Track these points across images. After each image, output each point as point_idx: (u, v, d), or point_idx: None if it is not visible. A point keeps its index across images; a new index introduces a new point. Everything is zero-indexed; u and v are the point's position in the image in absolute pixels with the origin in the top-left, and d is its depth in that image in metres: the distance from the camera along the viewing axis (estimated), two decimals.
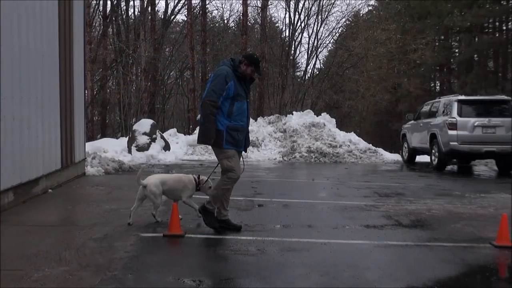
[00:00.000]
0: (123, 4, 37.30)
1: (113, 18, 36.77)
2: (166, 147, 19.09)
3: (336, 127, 21.58)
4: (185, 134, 23.34)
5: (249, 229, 6.84)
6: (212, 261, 5.42)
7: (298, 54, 47.52)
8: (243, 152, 6.80)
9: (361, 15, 43.89)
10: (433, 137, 15.76)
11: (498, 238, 6.14)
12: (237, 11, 47.15)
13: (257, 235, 6.52)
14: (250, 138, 19.93)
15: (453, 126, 14.75)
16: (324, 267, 5.22)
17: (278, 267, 5.17)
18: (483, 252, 5.93)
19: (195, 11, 35.34)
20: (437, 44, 43.55)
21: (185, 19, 34.75)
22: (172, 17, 39.06)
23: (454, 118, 14.79)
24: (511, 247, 6.00)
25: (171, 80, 42.76)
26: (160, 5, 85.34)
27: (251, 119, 22.00)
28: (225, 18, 44.94)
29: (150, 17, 32.60)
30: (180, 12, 39.06)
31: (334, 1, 43.39)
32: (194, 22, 33.59)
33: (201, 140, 6.56)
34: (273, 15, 62.09)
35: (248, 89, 6.75)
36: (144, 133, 18.67)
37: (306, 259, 5.50)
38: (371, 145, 20.40)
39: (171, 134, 21.47)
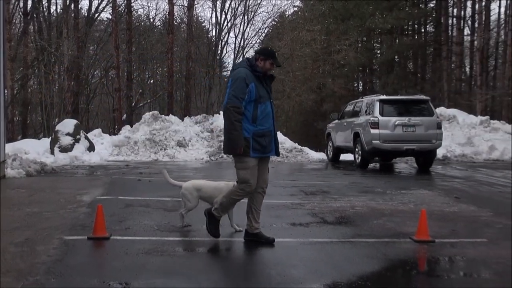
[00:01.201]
0: (44, 1, 36.23)
1: (34, 15, 35.64)
2: (91, 148, 18.69)
3: None
4: (110, 135, 22.93)
5: (177, 230, 6.81)
6: (139, 263, 5.34)
7: (225, 54, 47.66)
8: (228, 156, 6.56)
9: (287, 16, 44.51)
10: (356, 136, 16.16)
11: (418, 233, 6.38)
12: (163, 10, 46.72)
13: (185, 235, 6.51)
14: (177, 138, 19.98)
15: (375, 125, 15.18)
16: (250, 266, 5.28)
17: (207, 267, 5.18)
18: (403, 246, 6.14)
19: (120, 9, 34.78)
20: (360, 45, 44.65)
21: (110, 17, 34.14)
22: (97, 15, 38.33)
23: (376, 117, 15.21)
24: (429, 241, 6.26)
25: (95, 80, 41.89)
26: (84, 3, 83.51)
27: (178, 119, 21.96)
28: (151, 17, 44.52)
29: (73, 14, 31.81)
30: (105, 10, 38.42)
31: (260, 2, 43.68)
32: (119, 20, 33.04)
33: (228, 150, 6.08)
34: (199, 14, 61.95)
35: (270, 87, 6.38)
36: (68, 134, 18.20)
37: (233, 259, 5.53)
38: (297, 144, 20.69)
39: (96, 135, 21.04)
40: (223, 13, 38.43)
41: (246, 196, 6.20)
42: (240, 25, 39.09)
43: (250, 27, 49.69)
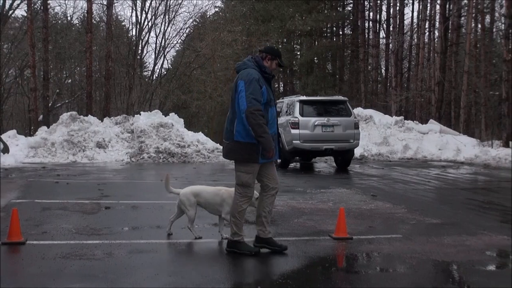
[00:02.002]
0: None
1: None
2: (5, 149, 17.96)
3: (184, 127, 21.64)
4: (26, 136, 22.10)
5: (96, 233, 6.67)
6: (56, 268, 5.19)
7: (146, 54, 47.17)
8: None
9: (208, 16, 44.45)
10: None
11: (336, 231, 6.54)
12: (81, 8, 45.61)
13: (104, 238, 6.38)
14: (97, 140, 19.53)
15: (296, 125, 15.42)
16: (172, 267, 5.25)
17: (126, 270, 5.10)
18: (323, 244, 6.28)
19: (35, 6, 33.59)
20: (280, 46, 45.20)
21: (25, 14, 32.92)
22: (11, 12, 36.80)
23: (296, 117, 15.46)
24: (348, 238, 6.43)
25: (10, 79, 40.26)
26: None
27: (97, 119, 21.46)
28: (68, 15, 43.33)
29: None
30: (20, 7, 36.94)
31: (181, 2, 43.47)
32: (34, 18, 31.90)
33: (265, 154, 5.70)
34: (119, 13, 60.97)
35: (273, 90, 6.05)
36: None
37: (154, 260, 5.47)
38: (218, 144, 20.70)
39: (11, 136, 20.20)
40: (144, 12, 37.91)
41: (249, 201, 5.93)
42: (161, 24, 38.67)
43: (171, 27, 49.46)
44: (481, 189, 12.69)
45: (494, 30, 35.65)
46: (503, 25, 30.58)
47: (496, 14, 35.17)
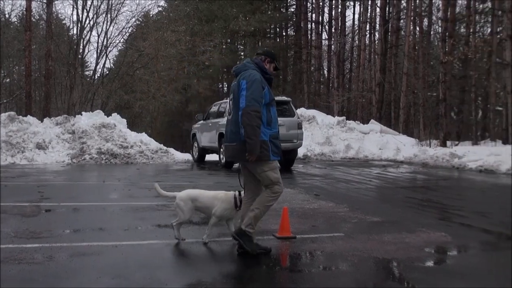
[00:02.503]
0: None
1: None
2: None
3: (127, 127, 21.37)
4: None
5: (36, 236, 6.50)
6: None
7: (87, 53, 46.24)
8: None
9: (151, 15, 44.00)
10: (221, 136, 16.34)
11: (280, 230, 6.59)
12: (20, 6, 44.30)
13: (45, 241, 6.23)
14: (36, 140, 19.03)
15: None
16: (116, 269, 5.17)
17: (67, 273, 5.00)
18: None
19: None
20: (224, 47, 45.26)
21: None
22: None
23: None
24: (291, 237, 6.49)
25: None
26: None
27: (37, 120, 20.91)
28: (6, 12, 42.06)
29: None
30: None
31: (124, 1, 42.88)
32: None
33: (248, 157, 5.67)
34: (59, 11, 59.59)
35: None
36: None
37: (97, 263, 5.39)
38: (162, 145, 20.55)
39: None
40: (85, 10, 37.18)
41: (278, 198, 5.90)
42: (103, 23, 38.04)
43: (113, 26, 48.74)
44: (419, 188, 13.04)
45: (432, 33, 36.74)
46: (440, 28, 31.54)
47: (434, 18, 36.26)
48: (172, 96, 38.24)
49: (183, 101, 42.14)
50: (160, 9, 48.08)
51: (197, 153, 19.31)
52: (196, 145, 19.38)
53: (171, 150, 20.48)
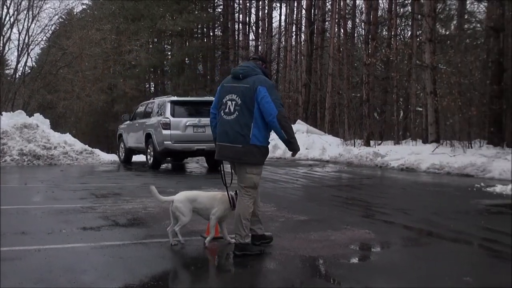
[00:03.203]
0: None
1: None
2: None
3: (51, 128, 20.76)
4: None
5: None
6: None
7: (7, 51, 44.40)
8: None
9: (75, 13, 42.92)
10: (148, 136, 16.18)
11: (208, 231, 6.59)
12: None
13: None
14: None
15: (167, 126, 15.34)
16: (39, 274, 5.03)
17: None
18: (195, 244, 6.31)
19: None
20: (151, 46, 44.73)
21: None
22: None
23: (167, 118, 15.38)
24: (219, 237, 6.50)
25: None
26: None
27: None
28: None
29: None
30: None
31: None
32: None
33: (292, 154, 6.25)
34: None
35: None
36: None
37: (19, 268, 5.23)
38: (87, 146, 20.09)
39: None
40: (5, 7, 35.78)
41: (253, 201, 6.10)
42: (24, 20, 36.71)
43: (35, 23, 47.15)
44: (344, 186, 13.35)
45: (356, 35, 37.64)
46: (363, 30, 32.39)
47: (357, 20, 37.18)
48: (97, 96, 37.41)
49: (109, 101, 41.33)
50: (84, 7, 47.02)
51: (123, 154, 19.03)
52: (122, 145, 19.09)
53: (97, 151, 20.06)
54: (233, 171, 6.29)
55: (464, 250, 6.46)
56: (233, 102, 5.99)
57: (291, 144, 6.02)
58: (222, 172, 6.38)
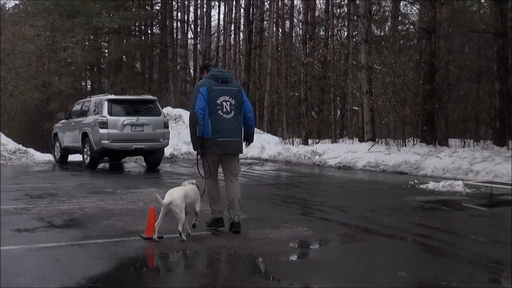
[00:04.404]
0: None
1: None
2: None
3: None
4: None
5: None
6: None
7: None
8: None
9: (8, 9, 41.54)
10: (85, 136, 15.89)
11: (147, 231, 6.53)
12: None
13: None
14: None
15: (104, 124, 15.11)
16: None
17: None
18: (133, 244, 6.25)
19: None
20: (87, 43, 43.82)
21: None
22: None
23: (104, 117, 15.15)
24: (158, 237, 6.46)
25: None
26: None
27: None
28: None
29: None
30: None
31: None
32: None
33: (248, 145, 7.56)
34: None
35: None
36: None
37: None
38: (21, 145, 19.54)
39: None
40: None
41: None
42: None
43: None
44: (283, 185, 13.50)
45: (294, 35, 38.03)
46: (301, 30, 32.77)
47: (295, 20, 37.57)
48: (31, 94, 36.36)
49: (44, 99, 40.25)
50: (17, 2, 45.64)
51: (59, 153, 18.59)
52: (58, 145, 18.65)
53: (31, 150, 19.54)
54: (211, 164, 7.13)
55: (399, 245, 6.65)
56: (228, 103, 6.87)
57: (252, 135, 7.44)
58: (197, 164, 7.38)
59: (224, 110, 6.81)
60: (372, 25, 25.33)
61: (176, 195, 6.44)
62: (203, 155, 7.07)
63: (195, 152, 7.32)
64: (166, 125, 16.12)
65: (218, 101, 6.74)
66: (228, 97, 6.86)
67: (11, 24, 35.21)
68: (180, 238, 6.35)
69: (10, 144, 19.10)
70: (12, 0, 59.53)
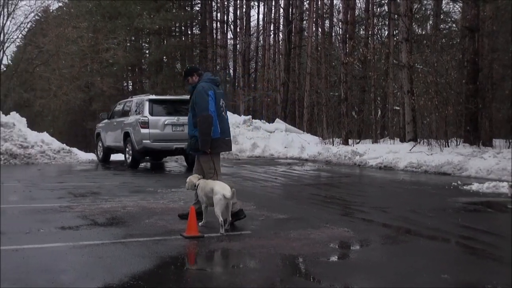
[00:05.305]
0: None
1: None
2: None
3: (28, 126, 20.51)
4: None
5: None
6: None
7: None
8: None
9: (52, 11, 42.45)
10: (126, 135, 16.09)
11: (188, 230, 6.58)
12: None
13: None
14: None
15: (145, 124, 15.28)
16: (17, 274, 4.98)
17: None
18: (174, 243, 6.30)
19: None
20: (128, 44, 44.43)
21: None
22: None
23: (146, 117, 15.31)
24: (199, 236, 6.51)
25: None
26: None
27: None
28: None
29: None
30: None
31: None
32: None
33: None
34: None
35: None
36: None
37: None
38: (65, 145, 19.90)
39: None
40: None
41: None
42: None
43: (10, 21, 46.47)
44: (323, 185, 13.42)
45: (333, 34, 37.81)
46: (340, 30, 32.55)
47: (335, 20, 37.35)
48: (74, 94, 37.11)
49: (86, 100, 41.02)
50: (60, 4, 46.43)
51: (101, 153, 18.89)
52: (100, 144, 18.95)
53: (74, 150, 19.90)
54: (217, 161, 7.60)
55: (442, 247, 6.53)
56: (224, 105, 7.63)
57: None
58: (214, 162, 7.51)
59: (224, 111, 7.60)
60: (413, 23, 24.99)
61: (219, 189, 6.82)
62: (211, 154, 7.43)
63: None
64: None
65: (220, 103, 7.43)
66: (222, 100, 7.60)
67: (55, 26, 35.96)
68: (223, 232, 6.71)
69: (55, 144, 19.48)
70: (56, 3, 60.56)
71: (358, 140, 25.29)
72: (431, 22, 32.81)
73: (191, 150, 7.79)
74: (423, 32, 31.66)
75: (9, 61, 42.02)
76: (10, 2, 35.71)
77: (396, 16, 25.53)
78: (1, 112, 20.15)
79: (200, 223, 6.94)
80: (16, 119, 20.11)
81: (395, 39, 28.37)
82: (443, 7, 32.41)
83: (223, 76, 44.22)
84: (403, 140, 22.40)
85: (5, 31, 36.42)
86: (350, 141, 24.32)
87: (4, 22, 36.10)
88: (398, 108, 27.02)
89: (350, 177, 14.99)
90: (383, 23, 37.00)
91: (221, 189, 6.79)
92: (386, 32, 34.40)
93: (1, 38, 36.11)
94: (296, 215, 8.30)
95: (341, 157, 19.42)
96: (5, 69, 39.30)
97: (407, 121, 21.36)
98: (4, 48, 37.22)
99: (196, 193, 7.46)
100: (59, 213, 8.20)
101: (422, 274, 5.18)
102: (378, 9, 36.35)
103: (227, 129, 7.61)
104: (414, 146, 19.06)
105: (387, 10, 32.59)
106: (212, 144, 7.30)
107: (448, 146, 18.53)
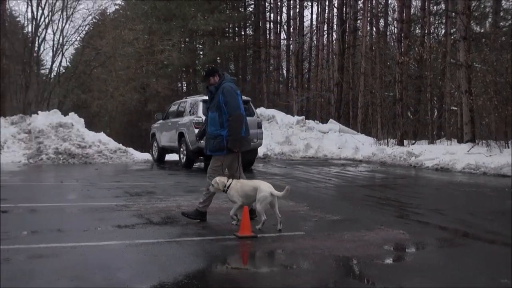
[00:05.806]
0: None
1: None
2: None
3: (85, 127, 21.04)
4: None
5: None
6: None
7: (43, 51, 45.28)
8: None
9: (108, 14, 43.38)
10: (181, 136, 16.28)
11: (241, 230, 6.61)
12: None
13: (1, 243, 6.09)
14: None
15: (199, 125, 15.37)
16: (75, 271, 5.10)
17: (26, 276, 4.91)
18: (228, 243, 6.33)
19: None
20: (183, 46, 44.97)
21: None
22: None
23: (200, 117, 15.44)
24: (252, 237, 6.52)
25: None
26: None
27: None
28: None
29: None
30: None
31: None
32: None
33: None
34: (13, 8, 58.09)
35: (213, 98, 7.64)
36: None
37: (55, 265, 5.31)
38: (121, 145, 20.31)
39: None
40: (40, 8, 36.37)
41: None
42: (59, 21, 37.26)
43: (69, 24, 47.74)
44: (378, 186, 13.24)
45: (388, 33, 37.25)
46: (395, 29, 32.05)
47: (389, 19, 36.80)
48: (130, 95, 37.83)
49: (142, 100, 41.75)
50: (117, 7, 47.44)
51: (156, 153, 19.18)
52: (155, 144, 19.25)
53: (130, 149, 20.28)
54: (238, 160, 7.81)
55: (501, 251, 6.33)
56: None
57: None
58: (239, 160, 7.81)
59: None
60: (471, 21, 24.37)
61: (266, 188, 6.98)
62: (238, 153, 7.63)
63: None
64: (259, 126, 16.23)
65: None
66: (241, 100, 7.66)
67: (112, 28, 36.72)
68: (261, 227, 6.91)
69: (111, 144, 19.91)
70: (112, 5, 61.83)
71: (413, 141, 24.83)
72: (490, 19, 31.95)
73: (211, 151, 7.71)
74: (482, 30, 30.86)
75: (68, 63, 43.21)
76: (69, 5, 36.70)
77: (453, 14, 24.97)
78: (60, 113, 20.74)
79: (257, 227, 6.91)
80: (74, 120, 20.66)
81: (452, 37, 27.74)
82: (502, 4, 31.50)
83: (276, 76, 44.27)
84: (460, 141, 21.88)
85: (64, 34, 37.45)
86: (405, 142, 23.92)
87: (64, 25, 37.12)
88: (456, 108, 26.40)
89: (406, 179, 14.74)
90: (439, 21, 36.22)
91: (267, 187, 6.92)
92: (443, 31, 33.68)
93: (61, 41, 37.17)
94: (350, 216, 8.22)
95: (396, 158, 19.13)
96: (64, 71, 40.43)
97: (465, 121, 20.85)
98: (64, 51, 38.30)
99: (207, 191, 7.52)
100: (115, 211, 8.36)
101: (480, 278, 5.05)
102: (435, 7, 35.59)
103: (248, 128, 7.71)
104: (472, 147, 18.60)
105: (444, 8, 31.90)
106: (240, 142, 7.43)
107: (508, 147, 17.97)
